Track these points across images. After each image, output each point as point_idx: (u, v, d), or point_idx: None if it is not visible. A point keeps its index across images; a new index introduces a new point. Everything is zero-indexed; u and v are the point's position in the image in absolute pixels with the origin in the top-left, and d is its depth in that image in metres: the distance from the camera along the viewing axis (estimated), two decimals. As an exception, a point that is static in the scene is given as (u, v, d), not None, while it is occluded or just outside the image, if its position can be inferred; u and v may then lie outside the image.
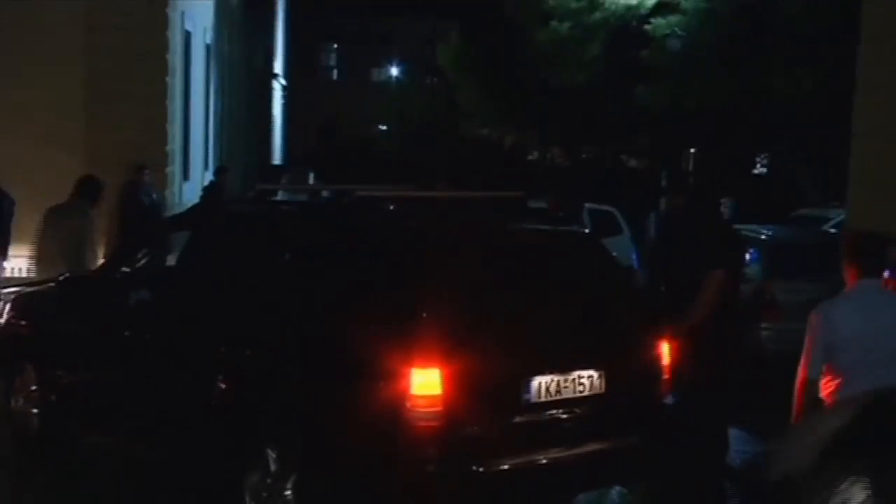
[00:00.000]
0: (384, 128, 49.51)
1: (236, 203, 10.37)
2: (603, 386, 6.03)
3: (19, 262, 15.54)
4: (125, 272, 7.99)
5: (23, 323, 8.48)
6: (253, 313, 6.43)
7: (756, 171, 30.86)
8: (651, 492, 7.40)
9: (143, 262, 8.31)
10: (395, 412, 5.44)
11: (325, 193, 9.49)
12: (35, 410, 8.01)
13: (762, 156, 30.65)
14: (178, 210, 16.30)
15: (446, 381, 5.42)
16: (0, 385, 8.62)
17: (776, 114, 22.44)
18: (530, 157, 38.59)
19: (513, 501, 5.91)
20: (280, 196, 9.76)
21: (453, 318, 5.67)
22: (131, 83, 16.38)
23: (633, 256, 13.05)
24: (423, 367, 5.42)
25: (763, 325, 10.88)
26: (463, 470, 5.52)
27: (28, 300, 8.92)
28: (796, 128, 23.03)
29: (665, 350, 6.43)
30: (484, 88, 31.67)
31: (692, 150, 25.22)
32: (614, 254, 7.48)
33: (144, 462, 7.37)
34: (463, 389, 5.48)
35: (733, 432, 8.19)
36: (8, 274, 15.08)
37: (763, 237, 11.95)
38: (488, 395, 5.62)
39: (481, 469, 5.53)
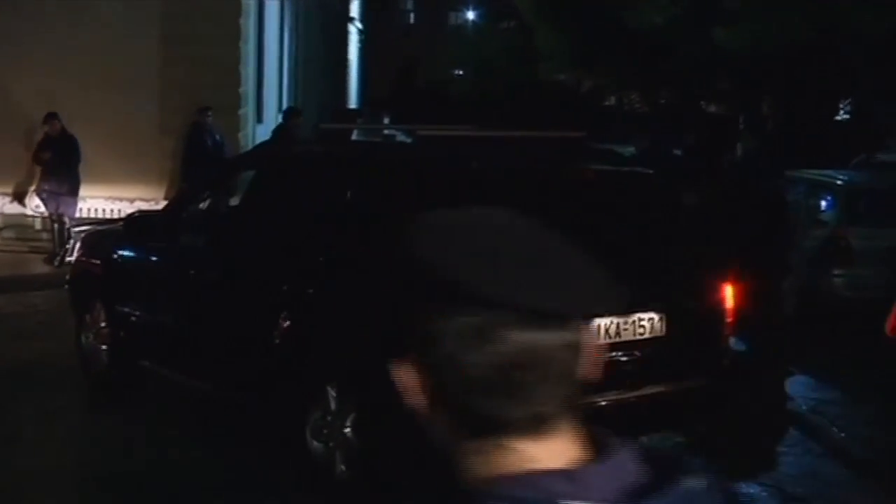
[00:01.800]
0: (461, 72, 49.24)
1: (299, 143, 10.37)
2: (664, 328, 5.94)
3: (96, 203, 15.82)
4: (190, 211, 8.07)
5: (93, 261, 8.61)
6: (315, 252, 6.44)
7: (838, 117, 30.17)
8: (712, 435, 7.31)
9: (207, 201, 8.37)
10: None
11: (396, 135, 9.45)
12: (104, 347, 8.15)
13: (845, 101, 29.93)
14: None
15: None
16: (72, 322, 8.80)
17: (859, 54, 21.83)
18: (607, 103, 38.15)
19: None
20: (354, 136, 9.77)
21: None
22: (204, 25, 16.40)
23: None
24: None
25: (836, 271, 10.67)
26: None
27: (98, 239, 9.06)
28: (879, 69, 22.40)
29: (729, 293, 6.32)
30: (561, 31, 31.27)
31: (771, 95, 24.70)
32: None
33: (209, 399, 7.46)
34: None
35: (801, 378, 8.09)
36: (84, 214, 15.40)
37: (839, 183, 11.67)
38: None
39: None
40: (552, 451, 1.22)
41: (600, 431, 1.27)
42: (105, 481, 6.47)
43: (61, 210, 14.29)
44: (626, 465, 1.23)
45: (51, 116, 14.58)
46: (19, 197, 16.01)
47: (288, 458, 6.43)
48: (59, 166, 14.44)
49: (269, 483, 6.28)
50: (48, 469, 6.71)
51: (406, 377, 1.25)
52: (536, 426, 1.21)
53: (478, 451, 1.22)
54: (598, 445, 1.25)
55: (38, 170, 14.96)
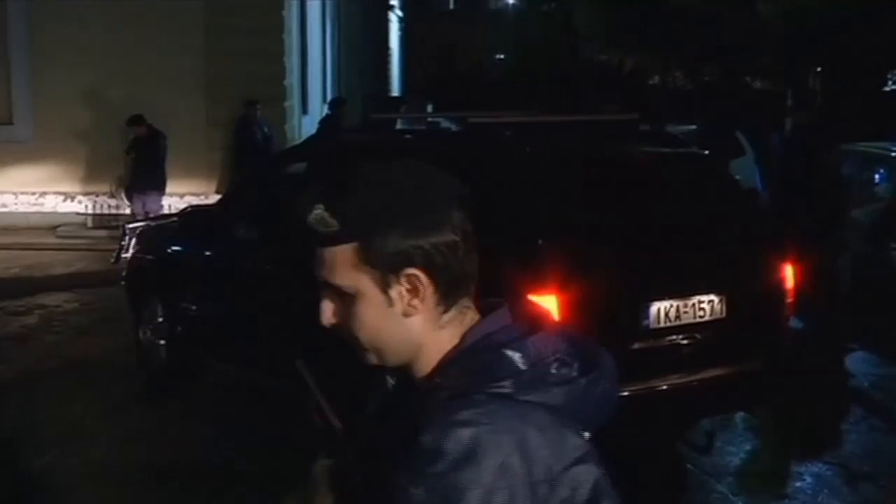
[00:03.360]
0: (501, 57, 49.06)
1: (351, 133, 10.37)
2: (724, 310, 5.88)
3: (170, 200, 15.88)
4: (244, 204, 8.08)
5: (148, 257, 8.68)
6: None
7: (887, 88, 29.73)
8: (775, 417, 7.25)
9: (261, 194, 8.38)
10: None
11: (442, 122, 9.42)
12: (161, 342, 8.22)
13: (894, 71, 29.48)
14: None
15: (563, 308, 5.34)
16: (128, 318, 8.88)
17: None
18: (651, 82, 37.83)
19: (633, 428, 5.84)
20: (398, 125, 9.75)
21: (570, 245, 5.58)
22: (248, 17, 16.48)
23: (757, 178, 12.69)
24: (541, 294, 5.35)
25: (893, 244, 10.50)
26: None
27: (153, 235, 9.12)
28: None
29: (789, 273, 6.25)
30: (602, 11, 31.06)
31: (818, 69, 24.39)
32: (737, 176, 7.28)
33: (266, 392, 7.49)
34: (580, 316, 5.39)
35: (861, 354, 8.00)
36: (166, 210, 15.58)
37: (894, 154, 11.48)
38: (606, 322, 5.53)
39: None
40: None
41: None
42: (163, 474, 6.52)
43: (147, 208, 14.53)
44: None
45: (135, 120, 14.82)
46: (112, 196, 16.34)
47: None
48: (143, 165, 14.72)
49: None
50: (107, 462, 6.78)
51: (419, 278, 1.64)
52: (472, 283, 1.70)
53: None
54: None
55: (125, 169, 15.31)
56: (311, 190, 1.66)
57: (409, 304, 1.65)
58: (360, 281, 1.65)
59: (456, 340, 1.66)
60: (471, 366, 1.60)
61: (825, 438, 7.07)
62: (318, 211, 1.62)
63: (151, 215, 13.70)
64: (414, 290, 1.64)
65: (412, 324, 1.66)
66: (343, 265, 1.65)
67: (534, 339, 1.61)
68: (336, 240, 1.64)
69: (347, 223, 1.62)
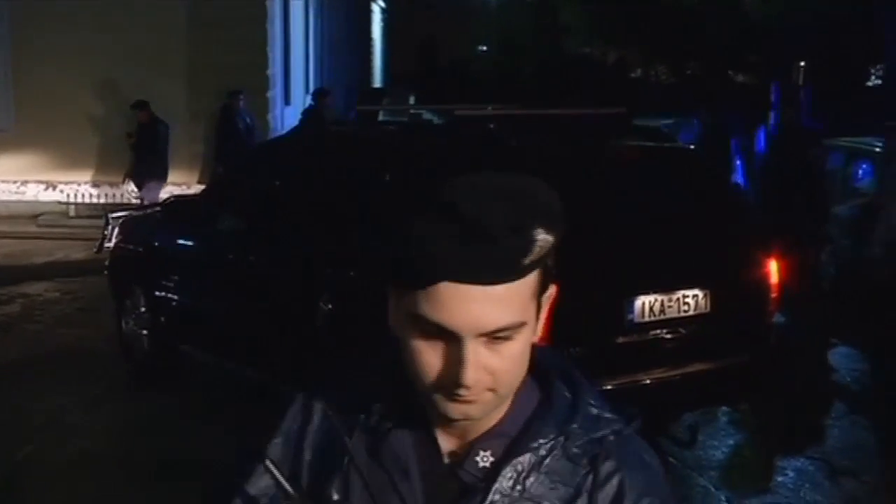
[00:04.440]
0: (484, 48, 49.05)
1: (336, 125, 10.35)
2: (709, 305, 5.90)
3: (129, 188, 15.87)
4: (228, 195, 8.05)
5: (131, 247, 8.64)
6: (356, 235, 6.41)
7: (870, 84, 29.87)
8: (758, 411, 7.28)
9: (245, 185, 8.36)
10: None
11: (422, 114, 9.41)
12: (144, 332, 8.19)
13: (877, 66, 29.62)
14: (279, 134, 16.45)
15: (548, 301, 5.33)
16: (111, 308, 8.85)
17: (892, 20, 21.59)
18: (633, 75, 37.92)
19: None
20: (381, 117, 9.73)
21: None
22: (231, 7, 16.42)
23: (739, 173, 12.69)
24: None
25: (875, 240, 10.54)
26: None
27: (136, 224, 9.08)
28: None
29: (773, 268, 6.27)
30: (587, 3, 31.10)
31: (802, 64, 24.47)
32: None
33: (251, 384, 7.47)
34: (565, 309, 5.38)
35: (843, 349, 8.03)
36: (119, 200, 15.51)
37: (877, 150, 11.53)
38: (591, 315, 5.54)
39: (584, 389, 5.47)
40: None
41: None
42: (146, 466, 6.51)
43: (142, 194, 14.51)
44: None
45: (139, 105, 14.78)
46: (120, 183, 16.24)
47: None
48: (140, 152, 14.69)
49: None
50: (90, 453, 6.77)
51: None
52: None
53: None
54: None
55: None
56: (504, 210, 1.31)
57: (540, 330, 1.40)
58: (529, 309, 1.36)
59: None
60: (584, 406, 1.46)
61: (807, 433, 7.10)
62: (542, 235, 1.32)
63: (146, 203, 13.65)
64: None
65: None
66: (527, 294, 1.34)
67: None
68: (537, 264, 1.33)
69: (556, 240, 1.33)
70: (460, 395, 1.31)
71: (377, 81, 40.50)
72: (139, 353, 8.29)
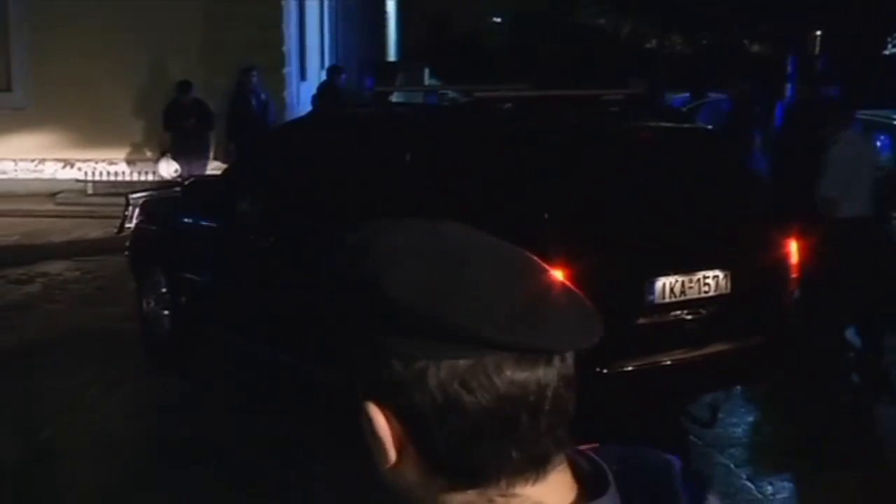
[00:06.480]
0: (498, 20, 48.84)
1: (354, 105, 10.35)
2: (729, 286, 5.92)
3: (145, 167, 15.90)
4: (248, 176, 8.08)
5: (152, 227, 8.68)
6: (377, 216, 6.42)
7: (887, 52, 29.64)
8: (775, 392, 7.30)
9: (264, 165, 8.38)
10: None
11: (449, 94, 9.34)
12: (166, 312, 8.24)
13: (894, 35, 29.38)
14: (295, 111, 16.45)
15: (569, 282, 5.35)
16: (130, 288, 8.90)
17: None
18: (648, 46, 37.71)
19: (637, 403, 5.89)
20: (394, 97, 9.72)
21: (576, 219, 5.60)
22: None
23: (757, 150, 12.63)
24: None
25: (894, 213, 10.49)
26: (587, 371, 5.48)
27: (156, 205, 9.12)
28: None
29: (793, 249, 6.27)
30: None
31: (818, 33, 24.27)
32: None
33: (272, 364, 7.52)
34: (585, 290, 5.39)
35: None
36: (136, 178, 15.54)
37: (895, 122, 11.46)
38: (611, 297, 5.55)
39: (605, 371, 5.51)
40: (553, 493, 1.11)
41: (593, 463, 1.16)
42: (166, 446, 6.58)
43: (187, 171, 14.56)
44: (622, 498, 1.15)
45: (183, 85, 14.79)
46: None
47: (349, 428, 6.45)
48: (189, 130, 14.75)
49: (329, 452, 6.28)
50: (111, 434, 6.83)
51: (376, 422, 1.11)
52: (536, 468, 1.10)
53: None
54: (592, 480, 1.15)
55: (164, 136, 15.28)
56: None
57: None
58: None
59: None
60: None
61: (826, 412, 7.11)
62: None
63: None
64: None
65: None
66: None
67: None
68: None
69: None
70: None
71: (392, 55, 40.37)
72: (160, 333, 8.33)
